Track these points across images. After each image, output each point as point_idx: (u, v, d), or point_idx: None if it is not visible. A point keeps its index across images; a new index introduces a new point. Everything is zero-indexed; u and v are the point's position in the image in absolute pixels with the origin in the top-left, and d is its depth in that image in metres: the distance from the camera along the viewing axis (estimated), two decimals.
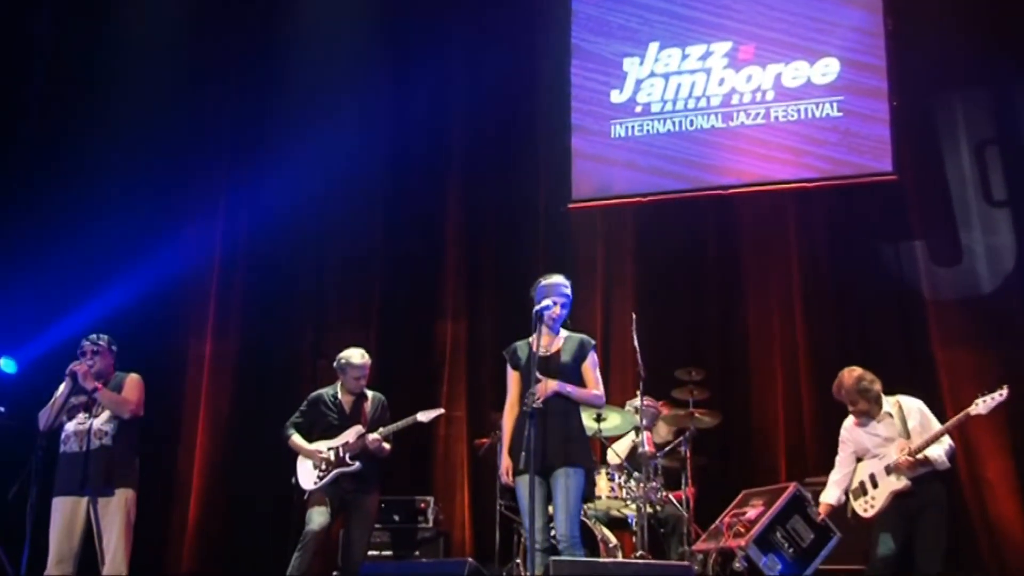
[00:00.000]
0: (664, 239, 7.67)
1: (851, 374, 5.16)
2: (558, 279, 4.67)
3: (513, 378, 4.68)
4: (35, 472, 4.75)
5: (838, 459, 5.32)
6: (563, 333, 4.66)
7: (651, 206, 7.68)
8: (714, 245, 7.62)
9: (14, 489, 4.77)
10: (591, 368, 4.59)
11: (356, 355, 5.72)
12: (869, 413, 5.13)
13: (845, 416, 5.34)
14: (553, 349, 4.60)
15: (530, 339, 4.60)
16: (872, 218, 7.29)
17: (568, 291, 4.67)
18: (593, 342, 4.67)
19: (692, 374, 6.48)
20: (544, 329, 4.55)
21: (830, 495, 5.27)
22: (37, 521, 4.77)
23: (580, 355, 4.59)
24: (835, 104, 7.39)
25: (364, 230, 8.27)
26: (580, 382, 4.59)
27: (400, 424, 5.68)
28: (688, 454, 6.19)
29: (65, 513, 5.05)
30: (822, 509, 5.31)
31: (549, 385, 4.48)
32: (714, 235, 7.63)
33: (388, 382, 6.59)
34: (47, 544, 5.01)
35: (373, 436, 5.56)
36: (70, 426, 5.17)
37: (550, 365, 4.55)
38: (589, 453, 4.57)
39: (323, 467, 5.55)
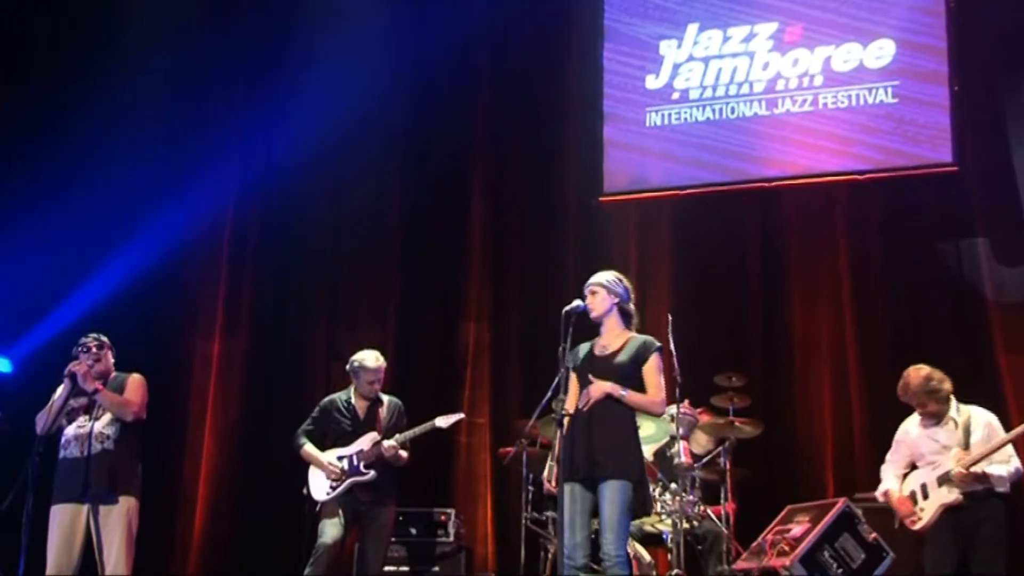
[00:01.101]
0: (703, 235, 7.62)
1: (918, 373, 5.09)
2: (596, 276, 4.64)
3: (572, 379, 4.64)
4: (32, 479, 4.74)
5: (889, 457, 5.28)
6: (627, 333, 4.60)
7: (689, 199, 7.64)
8: (757, 242, 7.57)
9: (9, 498, 4.76)
10: (653, 371, 4.49)
11: (370, 357, 5.70)
12: (938, 414, 5.05)
13: (898, 426, 5.28)
14: (611, 349, 4.55)
15: (594, 340, 4.56)
16: (929, 213, 7.20)
17: (600, 283, 4.61)
18: (659, 344, 4.58)
19: (733, 380, 6.45)
20: (605, 328, 4.52)
21: (889, 481, 5.20)
22: (34, 531, 4.76)
23: (640, 356, 4.51)
24: (889, 89, 7.29)
25: (382, 225, 8.29)
26: (639, 386, 4.50)
27: (418, 430, 5.65)
28: (728, 466, 6.14)
29: (64, 522, 5.06)
30: (882, 494, 5.22)
31: (601, 387, 4.42)
32: (757, 231, 7.58)
33: (405, 386, 6.60)
34: (44, 556, 5.01)
35: (389, 443, 5.54)
36: (70, 430, 5.18)
37: (605, 366, 4.50)
38: (638, 464, 4.45)
39: (336, 477, 5.54)
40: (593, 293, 4.59)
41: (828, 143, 7.35)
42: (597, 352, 4.52)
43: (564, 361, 4.46)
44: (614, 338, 4.58)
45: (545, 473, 4.60)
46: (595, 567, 4.52)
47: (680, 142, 7.70)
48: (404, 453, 5.62)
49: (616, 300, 4.60)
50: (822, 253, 7.39)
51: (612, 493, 4.33)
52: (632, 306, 4.67)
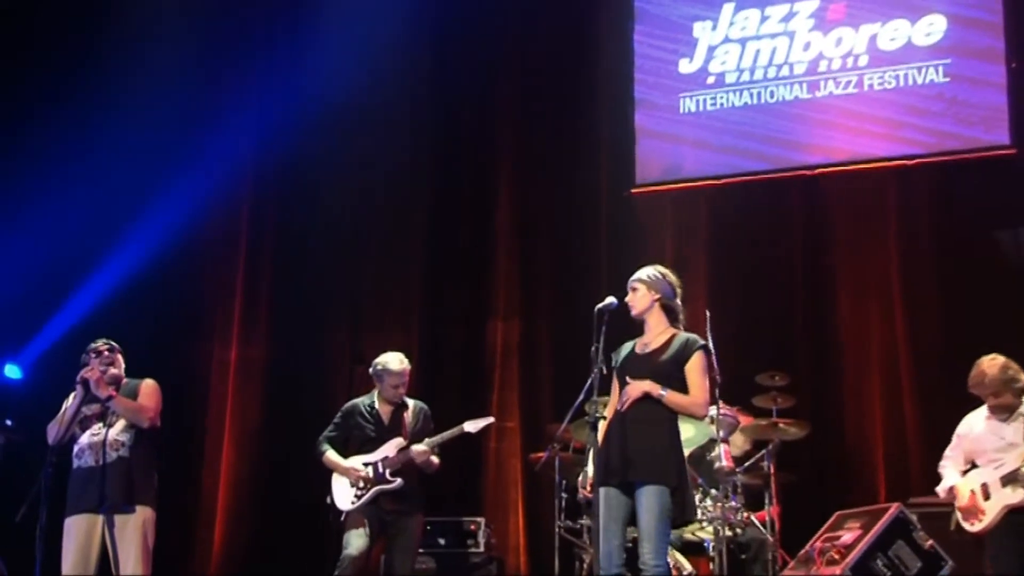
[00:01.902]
0: (742, 226, 7.60)
1: (994, 362, 5.05)
2: (638, 272, 4.63)
3: (613, 380, 4.62)
4: (45, 490, 4.77)
5: (948, 453, 5.23)
6: (671, 330, 4.57)
7: (727, 189, 7.62)
8: (800, 232, 7.52)
9: (23, 510, 4.79)
10: (696, 371, 4.43)
11: (394, 360, 5.71)
12: (1011, 408, 5.01)
13: (955, 425, 5.22)
14: (653, 347, 4.53)
15: (637, 339, 4.56)
16: (985, 199, 7.11)
17: (641, 279, 4.59)
18: (703, 342, 4.54)
19: (776, 379, 6.40)
20: (648, 326, 4.52)
21: (951, 477, 5.14)
22: (48, 544, 4.79)
23: (683, 355, 4.46)
24: (940, 68, 7.21)
25: (404, 222, 8.32)
26: (681, 387, 4.45)
27: (445, 436, 5.64)
28: (772, 469, 6.09)
29: (80, 534, 5.07)
30: (946, 491, 5.16)
31: (640, 386, 4.39)
32: (800, 221, 7.53)
33: (431, 389, 6.60)
34: (59, 569, 5.05)
35: (420, 448, 5.54)
36: (83, 438, 5.20)
37: (645, 365, 4.47)
38: (677, 469, 4.39)
39: (361, 485, 5.55)
40: (634, 290, 4.58)
41: (875, 127, 7.29)
42: (638, 351, 4.51)
43: (597, 361, 4.42)
44: (656, 336, 4.55)
45: (580, 478, 4.58)
46: (624, 572, 4.47)
47: (716, 129, 7.68)
48: (435, 459, 5.61)
49: (657, 297, 4.57)
50: (870, 244, 7.34)
51: (648, 500, 4.29)
52: (679, 302, 4.64)
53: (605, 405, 4.41)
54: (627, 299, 4.54)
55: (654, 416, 4.40)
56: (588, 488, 4.56)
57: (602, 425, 4.47)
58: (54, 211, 7.81)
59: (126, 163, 7.97)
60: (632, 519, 4.37)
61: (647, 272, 4.62)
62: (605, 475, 4.33)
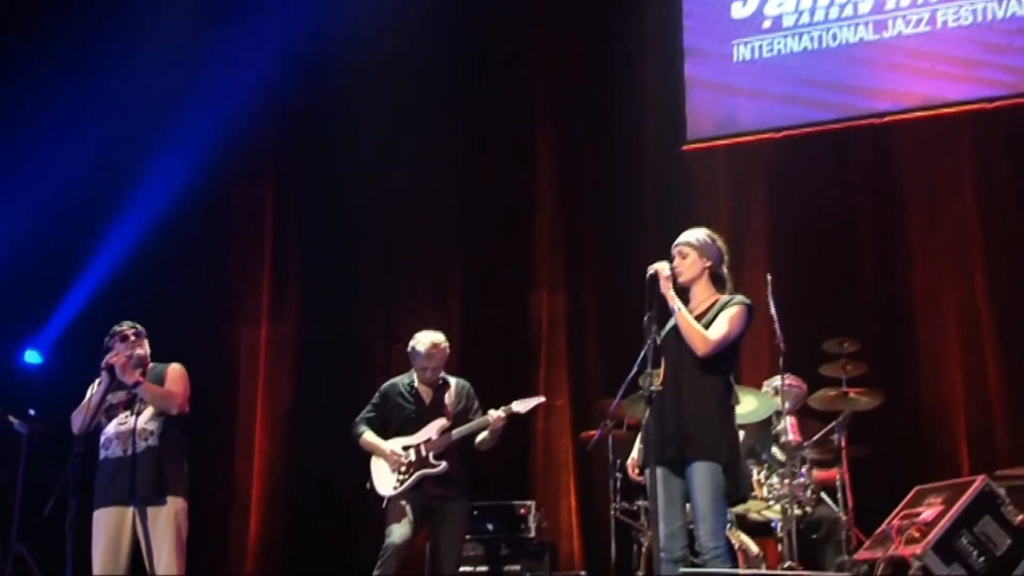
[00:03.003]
0: (804, 182, 7.52)
1: None
2: (686, 235, 4.59)
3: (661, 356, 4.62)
4: (73, 482, 4.84)
5: None
6: (716, 296, 4.56)
7: (787, 142, 7.55)
8: (867, 186, 7.44)
9: (50, 503, 4.88)
10: (724, 317, 4.42)
11: (424, 342, 5.73)
12: None
13: None
14: (697, 313, 4.53)
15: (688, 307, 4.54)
16: None
17: (690, 242, 4.57)
18: (746, 301, 4.51)
19: (844, 345, 6.33)
20: (693, 294, 4.51)
21: None
22: (78, 536, 4.86)
23: (720, 312, 4.48)
24: None
25: (439, 191, 8.33)
26: (721, 353, 4.45)
27: (492, 416, 5.62)
28: (843, 443, 6.07)
29: (110, 527, 5.15)
30: None
31: (660, 270, 4.43)
32: (868, 174, 7.45)
33: (473, 366, 6.60)
34: (89, 564, 5.13)
35: (497, 414, 5.55)
36: (110, 428, 5.26)
37: (677, 335, 4.48)
38: (728, 444, 4.41)
39: (403, 469, 5.57)
40: (683, 255, 4.54)
41: (949, 68, 7.18)
42: (653, 335, 4.47)
43: (650, 331, 4.42)
44: (700, 303, 4.55)
45: (632, 457, 4.58)
46: (695, 560, 4.48)
47: (774, 77, 7.62)
48: (501, 414, 5.57)
49: (708, 264, 4.55)
50: (945, 196, 7.24)
51: (700, 478, 4.31)
52: (725, 269, 4.62)
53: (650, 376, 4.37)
54: (675, 264, 4.51)
55: (707, 389, 4.42)
56: (635, 471, 4.53)
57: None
58: (57, 177, 7.83)
59: (135, 121, 7.98)
60: (688, 498, 4.40)
61: (697, 235, 4.58)
62: (659, 452, 4.33)
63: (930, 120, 7.25)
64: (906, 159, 7.38)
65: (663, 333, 4.52)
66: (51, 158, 7.92)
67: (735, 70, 7.70)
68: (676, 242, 4.60)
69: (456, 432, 5.59)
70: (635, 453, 4.62)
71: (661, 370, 4.51)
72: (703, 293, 4.54)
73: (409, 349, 5.76)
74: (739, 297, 4.52)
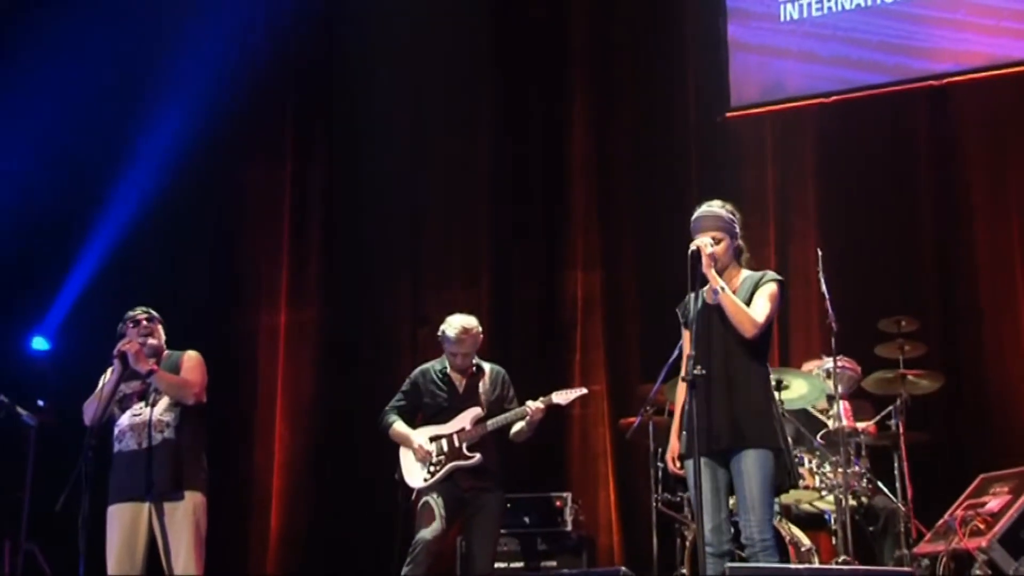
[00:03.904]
0: (856, 150, 7.50)
1: None
2: (702, 210, 4.61)
3: (686, 339, 4.66)
4: (86, 476, 4.87)
5: None
6: (739, 271, 4.59)
7: (838, 107, 7.51)
8: (926, 154, 7.39)
9: (62, 498, 4.91)
10: (763, 295, 4.48)
11: (454, 326, 5.73)
12: None
13: None
14: None
15: (704, 289, 4.56)
16: None
17: (723, 218, 4.58)
18: (778, 277, 4.58)
19: (902, 325, 6.34)
20: (710, 275, 4.47)
21: None
22: (92, 534, 4.89)
23: (754, 291, 4.52)
24: None
25: (468, 164, 8.33)
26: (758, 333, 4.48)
27: (530, 407, 5.60)
28: (901, 429, 6.06)
29: (125, 523, 5.17)
30: None
31: (709, 274, 4.42)
32: (926, 141, 7.41)
33: (504, 352, 6.59)
34: (104, 562, 5.16)
35: (536, 405, 5.56)
36: (124, 419, 5.28)
37: (715, 316, 4.48)
38: (777, 429, 4.45)
39: (435, 460, 5.59)
40: (717, 241, 4.53)
41: (1015, 23, 7.11)
42: (709, 301, 4.49)
43: (692, 312, 4.47)
44: (727, 281, 4.55)
45: (671, 447, 4.54)
46: (741, 553, 4.46)
47: (824, 38, 7.59)
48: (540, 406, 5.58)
49: (737, 244, 4.60)
50: (1011, 163, 7.18)
51: (751, 466, 4.32)
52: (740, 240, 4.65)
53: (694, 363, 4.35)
54: (713, 251, 4.45)
55: (754, 373, 4.45)
56: (675, 462, 4.52)
57: (682, 386, 4.49)
58: (54, 145, 7.82)
59: (141, 85, 7.95)
60: (730, 488, 4.42)
61: (721, 215, 4.58)
62: (708, 442, 4.31)
63: (994, 81, 7.18)
64: (968, 123, 7.32)
65: (690, 312, 4.58)
66: (46, 121, 7.84)
67: (782, 30, 7.68)
68: (701, 224, 4.55)
69: (492, 423, 5.60)
70: (673, 443, 4.58)
71: (685, 356, 4.54)
72: (728, 270, 4.57)
73: (440, 333, 5.77)
74: (770, 273, 4.58)
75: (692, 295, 4.58)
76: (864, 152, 7.45)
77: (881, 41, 7.40)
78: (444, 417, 5.67)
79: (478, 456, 5.56)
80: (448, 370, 5.78)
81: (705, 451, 4.31)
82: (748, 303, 4.47)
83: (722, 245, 4.52)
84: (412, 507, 5.63)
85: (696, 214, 4.60)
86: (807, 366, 6.42)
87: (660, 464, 6.21)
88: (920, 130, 7.41)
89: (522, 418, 5.62)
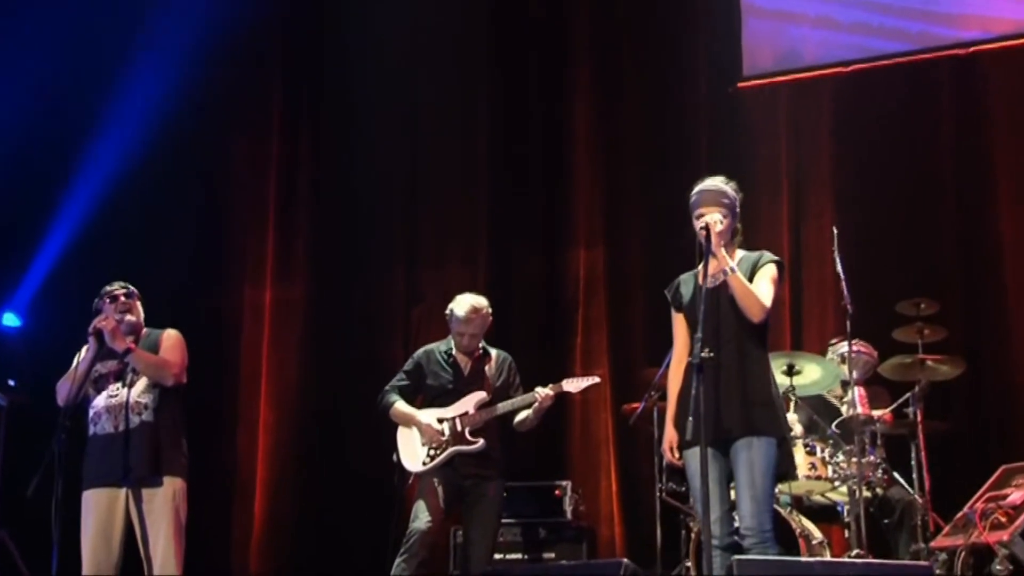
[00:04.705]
0: (876, 123, 7.48)
1: None
2: (706, 184, 4.60)
3: (678, 323, 4.67)
4: (60, 460, 4.86)
5: None
6: (738, 254, 4.61)
7: (857, 77, 7.50)
8: (950, 127, 7.37)
9: (34, 482, 4.89)
10: (764, 277, 4.52)
11: (462, 304, 5.76)
12: None
13: None
14: (722, 278, 4.54)
15: (697, 269, 4.58)
16: None
17: (728, 195, 4.59)
18: (776, 258, 4.62)
19: (922, 307, 6.34)
20: (720, 255, 4.48)
21: None
22: (66, 520, 4.89)
23: (754, 273, 4.55)
24: None
25: (466, 134, 8.31)
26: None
27: (536, 395, 5.60)
28: (919, 417, 6.06)
29: (100, 510, 5.18)
30: None
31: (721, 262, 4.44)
32: (950, 113, 7.39)
33: (502, 333, 6.58)
34: (78, 550, 5.16)
35: (545, 392, 5.58)
36: (99, 400, 5.28)
37: (721, 298, 4.50)
38: (781, 417, 4.51)
39: (435, 445, 5.59)
40: (724, 218, 4.52)
41: None
42: (708, 284, 4.49)
43: (702, 292, 4.43)
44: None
45: (667, 436, 4.53)
46: (742, 543, 4.47)
47: (843, 3, 7.62)
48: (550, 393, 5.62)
49: (736, 222, 4.61)
50: None
51: (756, 454, 4.34)
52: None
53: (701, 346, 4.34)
54: (716, 230, 4.45)
55: (757, 358, 4.48)
56: (673, 451, 4.52)
57: (675, 372, 4.56)
58: (21, 108, 7.75)
59: (115, 44, 7.89)
60: (729, 478, 4.45)
61: (728, 193, 4.58)
62: (695, 432, 4.28)
63: (1023, 49, 7.17)
64: (995, 94, 7.29)
65: (684, 297, 4.59)
66: (17, 85, 7.80)
67: None
68: (701, 198, 4.54)
69: (500, 407, 5.62)
70: (670, 431, 4.59)
71: (680, 341, 4.62)
72: (726, 249, 4.55)
73: (447, 312, 5.80)
74: (767, 254, 4.61)
75: (684, 276, 4.61)
76: (883, 125, 7.43)
77: (903, 7, 7.39)
78: (447, 400, 5.70)
79: (481, 442, 5.58)
80: (454, 351, 5.80)
81: (713, 439, 4.32)
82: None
83: (725, 223, 4.52)
84: (408, 493, 5.65)
85: (698, 188, 4.60)
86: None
87: None
88: (943, 102, 7.38)
89: (529, 405, 5.65)
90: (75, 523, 5.13)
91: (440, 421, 5.64)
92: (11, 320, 7.83)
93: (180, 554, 5.20)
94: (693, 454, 4.35)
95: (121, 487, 5.17)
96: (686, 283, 4.65)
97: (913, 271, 7.09)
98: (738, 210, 4.60)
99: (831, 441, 6.00)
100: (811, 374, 6.18)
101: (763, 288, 4.46)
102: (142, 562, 5.18)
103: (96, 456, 5.25)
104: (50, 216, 7.87)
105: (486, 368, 5.78)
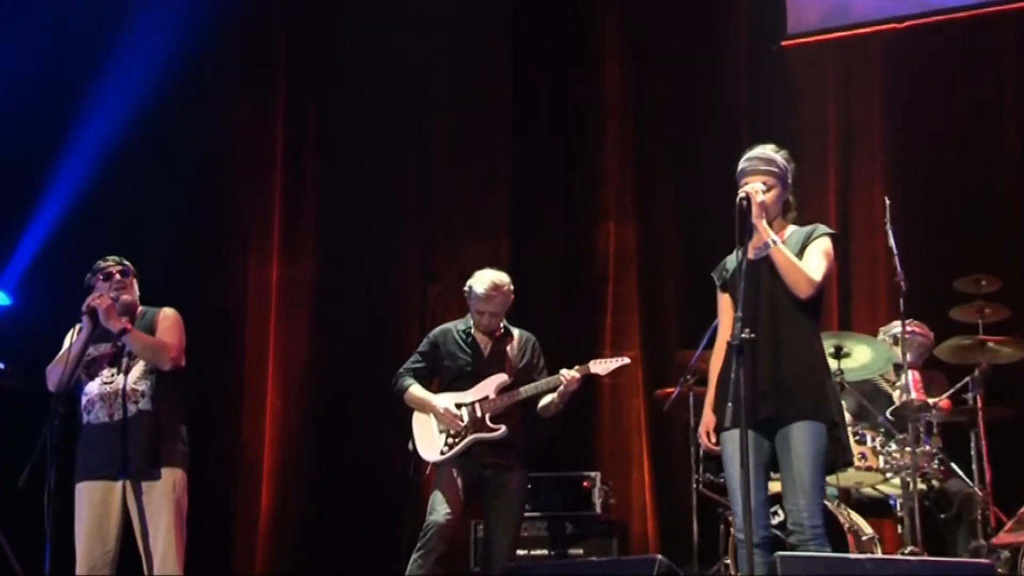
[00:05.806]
0: (933, 84, 7.46)
1: None
2: (754, 152, 4.60)
3: (723, 303, 4.66)
4: (53, 449, 4.87)
5: None
6: (789, 229, 4.60)
7: (912, 34, 7.49)
8: (1012, 87, 7.35)
9: (25, 473, 4.91)
10: (816, 250, 4.49)
11: (482, 281, 5.75)
12: None
13: None
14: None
15: (742, 246, 4.53)
16: None
17: (777, 164, 4.55)
18: (830, 230, 4.59)
19: (982, 284, 6.33)
20: (760, 227, 4.46)
21: None
22: (59, 513, 4.91)
23: (806, 245, 4.52)
24: None
25: (487, 99, 8.32)
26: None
27: (565, 376, 5.59)
28: (979, 402, 6.05)
29: (95, 503, 5.20)
30: None
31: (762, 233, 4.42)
32: (1013, 71, 7.35)
33: (525, 313, 6.56)
34: (72, 545, 5.19)
35: (571, 374, 5.59)
36: (93, 387, 5.29)
37: (763, 272, 4.47)
38: (831, 401, 4.44)
39: (453, 432, 5.60)
40: (768, 188, 4.50)
41: None
42: (751, 257, 4.48)
43: (741, 269, 4.39)
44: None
45: (704, 420, 4.53)
46: (791, 540, 4.42)
47: None
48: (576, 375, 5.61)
49: (787, 195, 4.61)
50: None
51: (801, 441, 4.30)
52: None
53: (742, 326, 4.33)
54: (763, 199, 4.44)
55: (803, 336, 4.45)
56: (710, 436, 4.50)
57: (717, 354, 4.55)
58: (10, 74, 7.79)
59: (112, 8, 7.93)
60: (772, 466, 4.43)
61: (776, 161, 4.56)
62: (734, 417, 4.26)
63: None
64: None
65: (729, 272, 4.58)
66: (6, 54, 7.83)
67: None
68: (747, 167, 4.54)
69: (523, 391, 5.61)
70: (707, 414, 4.60)
71: (724, 320, 4.61)
72: (776, 225, 4.56)
73: (466, 289, 5.80)
74: (821, 227, 4.59)
75: (733, 253, 4.55)
76: (941, 85, 7.41)
77: None
78: (465, 383, 5.71)
79: (503, 428, 5.59)
80: (473, 331, 5.81)
81: (751, 422, 4.28)
82: (796, 257, 4.44)
83: (772, 193, 4.50)
84: (425, 483, 5.66)
85: (745, 157, 4.58)
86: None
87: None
88: (1007, 60, 7.36)
89: (554, 388, 5.64)
90: (68, 514, 5.15)
91: (458, 406, 5.64)
92: (1, 299, 7.87)
93: (181, 549, 5.22)
94: (730, 437, 4.34)
95: (117, 480, 5.18)
96: (732, 261, 4.61)
97: (973, 245, 7.08)
98: (789, 181, 4.57)
99: (883, 429, 6.00)
100: (861, 357, 6.17)
101: (813, 262, 4.43)
102: (140, 558, 5.20)
103: (90, 447, 5.26)
104: (41, 188, 7.90)
105: (508, 349, 5.78)
